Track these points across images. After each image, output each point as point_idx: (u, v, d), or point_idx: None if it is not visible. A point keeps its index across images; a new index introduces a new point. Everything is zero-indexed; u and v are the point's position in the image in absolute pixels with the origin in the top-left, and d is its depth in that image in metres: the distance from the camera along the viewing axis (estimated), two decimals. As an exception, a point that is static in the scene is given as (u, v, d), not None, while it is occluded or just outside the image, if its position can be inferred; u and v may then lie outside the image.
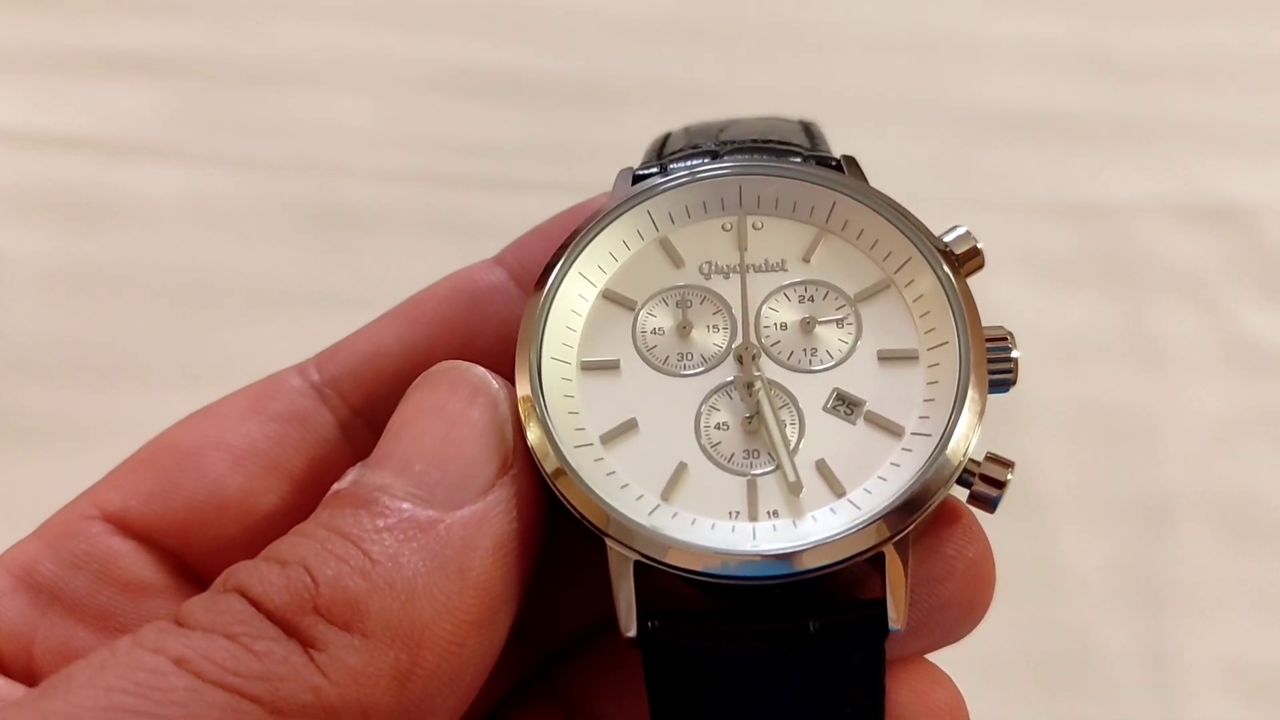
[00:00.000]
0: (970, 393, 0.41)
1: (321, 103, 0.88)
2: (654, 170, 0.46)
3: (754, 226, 0.45)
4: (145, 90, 0.88)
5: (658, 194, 0.45)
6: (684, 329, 0.44)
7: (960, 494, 0.41)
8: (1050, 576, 0.75)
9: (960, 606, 0.42)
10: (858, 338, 0.44)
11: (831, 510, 0.41)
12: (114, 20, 0.90)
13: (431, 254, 0.81)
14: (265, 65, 0.89)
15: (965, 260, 0.44)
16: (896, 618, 0.39)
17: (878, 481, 0.41)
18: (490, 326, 0.45)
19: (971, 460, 0.41)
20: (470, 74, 0.89)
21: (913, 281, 0.44)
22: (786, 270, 0.45)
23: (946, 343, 0.42)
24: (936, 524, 0.42)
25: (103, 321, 0.81)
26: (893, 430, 0.42)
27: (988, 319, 0.43)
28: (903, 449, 0.41)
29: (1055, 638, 0.74)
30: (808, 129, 0.49)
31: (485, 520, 0.38)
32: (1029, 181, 0.86)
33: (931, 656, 0.43)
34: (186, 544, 0.44)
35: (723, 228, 0.45)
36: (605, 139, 0.85)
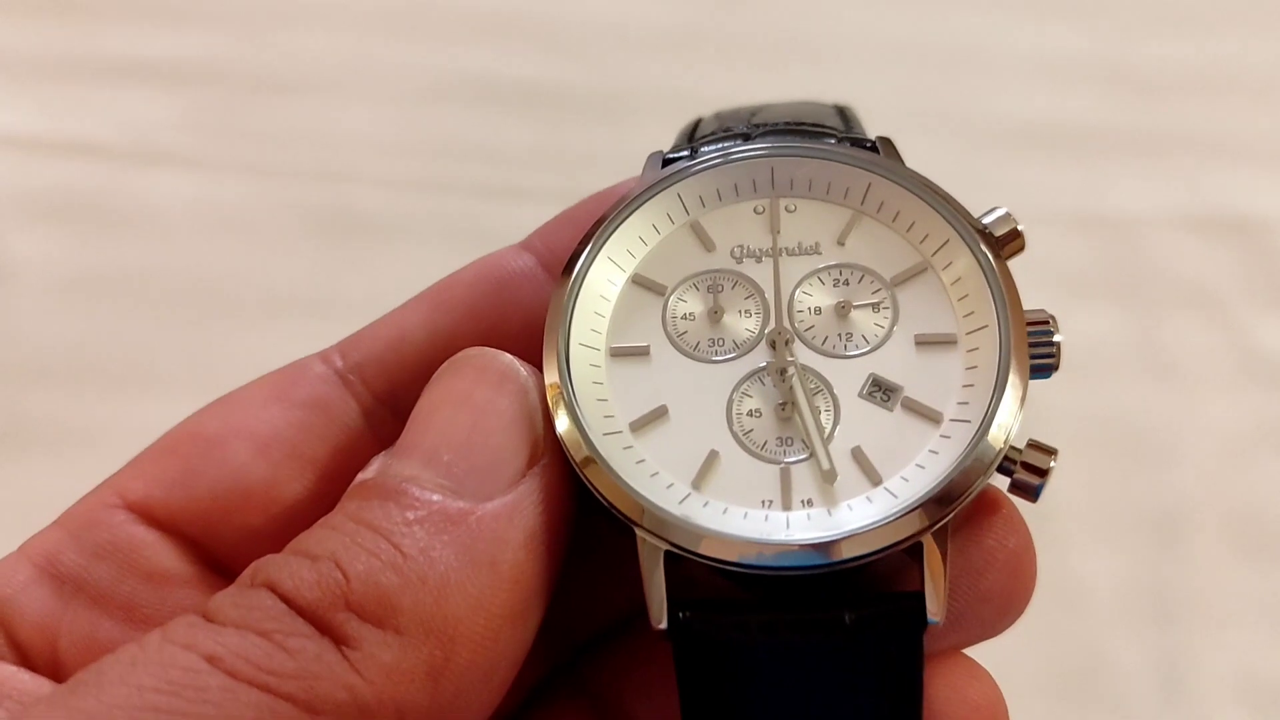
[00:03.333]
0: (1011, 378, 0.40)
1: (333, 111, 0.88)
2: (684, 154, 0.45)
3: (787, 209, 0.44)
4: (158, 97, 0.88)
5: (688, 177, 0.44)
6: (715, 314, 0.43)
7: (1001, 483, 0.41)
8: (1062, 590, 0.74)
9: (1001, 599, 0.41)
10: (894, 322, 0.43)
11: (868, 499, 0.40)
12: (127, 28, 0.90)
13: (442, 262, 0.80)
14: (277, 73, 0.89)
15: (1005, 242, 0.43)
16: (935, 610, 0.38)
17: (915, 469, 0.40)
18: (518, 312, 0.44)
19: (1013, 448, 0.40)
20: (482, 83, 0.89)
21: (951, 264, 0.43)
22: (820, 254, 0.44)
23: (986, 326, 0.41)
24: (976, 514, 0.41)
25: (114, 328, 0.81)
26: (931, 417, 0.41)
27: None
28: (941, 436, 0.41)
29: (1067, 652, 0.73)
30: (842, 112, 0.48)
31: (516, 512, 0.37)
32: (1042, 194, 0.85)
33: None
34: (210, 533, 0.44)
35: (755, 210, 0.44)
36: (617, 148, 0.84)
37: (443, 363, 0.41)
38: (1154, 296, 0.82)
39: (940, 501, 0.39)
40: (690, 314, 0.43)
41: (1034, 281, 0.79)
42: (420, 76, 0.89)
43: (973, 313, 0.42)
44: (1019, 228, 0.43)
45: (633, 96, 0.88)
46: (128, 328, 0.81)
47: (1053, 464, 0.40)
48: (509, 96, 0.89)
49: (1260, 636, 0.73)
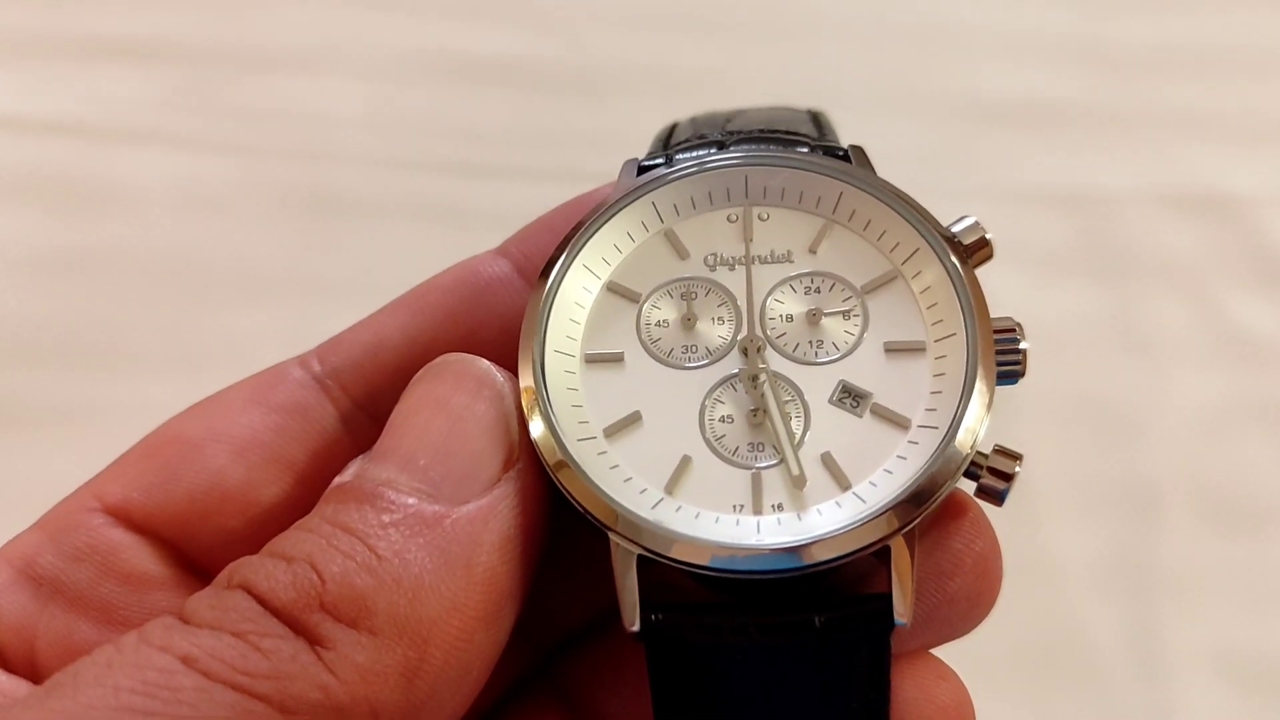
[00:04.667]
0: (978, 384, 0.41)
1: (312, 88, 0.88)
2: (659, 161, 0.45)
3: (760, 218, 0.45)
4: (135, 75, 0.88)
5: (662, 185, 0.45)
6: (689, 321, 0.44)
7: (967, 487, 0.41)
8: (1038, 565, 0.74)
9: (967, 601, 0.42)
10: (864, 329, 0.43)
11: (837, 504, 0.41)
12: (103, 5, 0.90)
13: (421, 241, 0.81)
14: (255, 50, 0.89)
15: (974, 250, 0.43)
16: (903, 612, 0.39)
17: (884, 474, 0.41)
18: (494, 319, 0.45)
19: (979, 453, 0.40)
20: (462, 60, 0.89)
21: (920, 272, 0.43)
22: (792, 261, 0.44)
23: (954, 334, 0.42)
24: (943, 517, 0.42)
25: (91, 306, 0.81)
26: (899, 423, 0.42)
27: None
28: (909, 441, 0.41)
29: (1042, 627, 0.74)
30: (816, 119, 0.48)
31: (491, 515, 0.38)
32: (1019, 170, 0.86)
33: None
34: (188, 536, 0.44)
35: (728, 219, 0.45)
36: (597, 127, 0.85)
37: (420, 368, 0.41)
38: (1130, 273, 0.83)
39: (908, 505, 0.39)
40: (664, 321, 0.44)
41: (1010, 259, 0.80)
42: (399, 55, 0.89)
43: (941, 320, 0.43)
44: (987, 236, 0.43)
45: (615, 74, 0.89)
46: (105, 306, 0.81)
47: (1018, 469, 0.41)
48: (488, 74, 0.89)
49: (1234, 609, 0.74)
